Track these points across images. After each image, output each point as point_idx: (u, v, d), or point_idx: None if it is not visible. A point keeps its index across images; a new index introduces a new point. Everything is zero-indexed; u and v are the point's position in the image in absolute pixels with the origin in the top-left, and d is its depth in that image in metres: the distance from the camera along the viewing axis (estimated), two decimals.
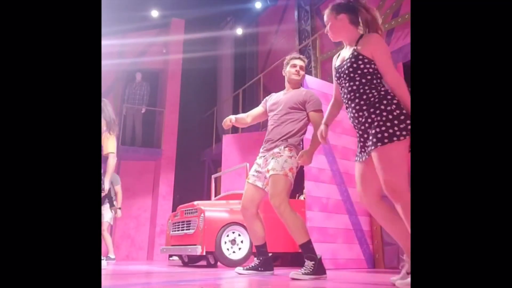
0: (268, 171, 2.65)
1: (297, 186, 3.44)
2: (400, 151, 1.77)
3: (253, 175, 2.80)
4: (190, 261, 4.90)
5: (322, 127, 2.21)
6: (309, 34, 7.06)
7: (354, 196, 4.30)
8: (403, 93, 1.85)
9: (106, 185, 3.58)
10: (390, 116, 1.80)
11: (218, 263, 4.31)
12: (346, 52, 2.05)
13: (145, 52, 9.23)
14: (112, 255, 5.58)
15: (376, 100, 1.86)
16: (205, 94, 9.72)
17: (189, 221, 4.28)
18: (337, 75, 2.05)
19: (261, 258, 2.79)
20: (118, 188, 5.57)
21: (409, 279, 1.76)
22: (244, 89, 8.38)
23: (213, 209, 4.20)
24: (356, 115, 1.93)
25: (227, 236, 4.10)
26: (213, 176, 5.83)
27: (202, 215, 4.07)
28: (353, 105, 1.94)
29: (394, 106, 1.82)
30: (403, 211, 1.74)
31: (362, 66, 1.92)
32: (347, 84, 1.97)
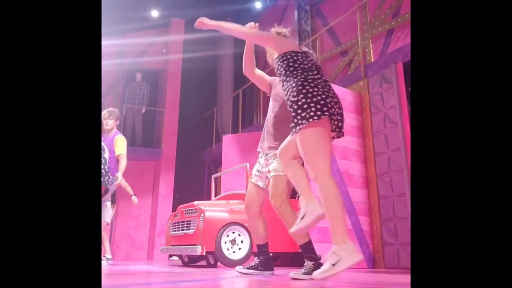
0: (269, 171, 2.64)
1: None
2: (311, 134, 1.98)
3: (255, 174, 2.80)
4: (190, 261, 4.90)
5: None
6: (309, 34, 7.07)
7: (354, 196, 4.30)
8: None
9: (119, 176, 4.19)
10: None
11: (218, 263, 4.31)
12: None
13: (145, 52, 9.23)
14: (109, 255, 5.58)
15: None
16: (205, 94, 9.72)
17: (189, 221, 4.28)
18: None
19: (261, 258, 2.79)
20: (123, 181, 5.65)
21: (324, 267, 1.88)
22: (244, 89, 8.38)
23: (213, 209, 4.20)
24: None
25: (227, 236, 4.10)
26: (213, 176, 5.83)
27: (202, 215, 4.07)
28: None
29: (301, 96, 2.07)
30: (320, 193, 1.93)
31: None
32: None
